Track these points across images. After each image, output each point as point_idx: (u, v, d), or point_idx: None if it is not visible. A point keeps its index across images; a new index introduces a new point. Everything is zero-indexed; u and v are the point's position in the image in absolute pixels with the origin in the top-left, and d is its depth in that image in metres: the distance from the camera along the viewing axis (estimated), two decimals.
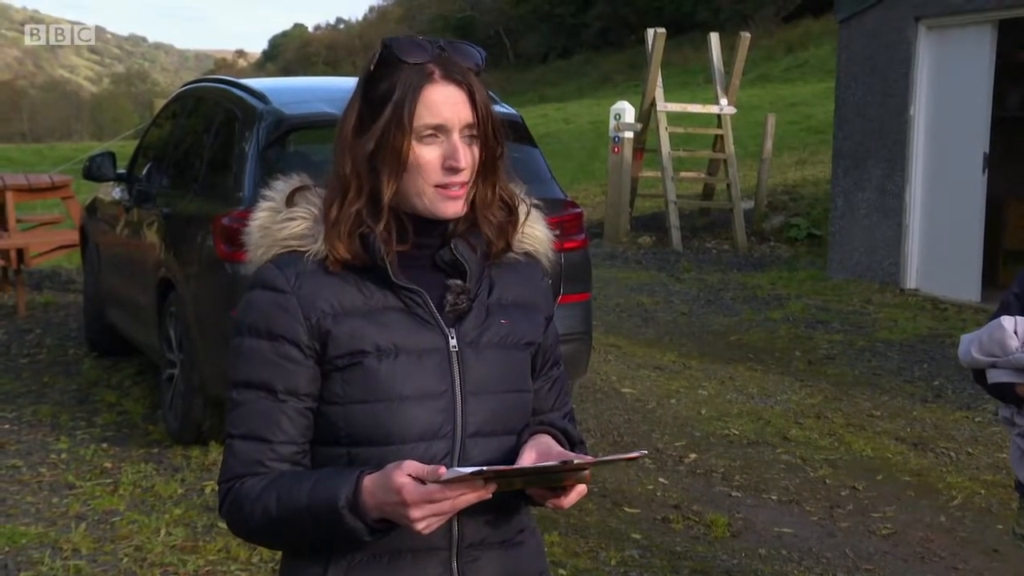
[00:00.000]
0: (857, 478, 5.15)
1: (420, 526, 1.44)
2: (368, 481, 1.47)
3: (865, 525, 4.60)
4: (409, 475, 1.43)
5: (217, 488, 1.62)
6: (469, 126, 1.57)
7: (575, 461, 1.47)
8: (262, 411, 1.56)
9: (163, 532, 4.37)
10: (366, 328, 1.56)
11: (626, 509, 4.69)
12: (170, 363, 5.49)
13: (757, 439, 5.70)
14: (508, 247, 1.68)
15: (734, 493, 4.94)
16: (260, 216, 1.63)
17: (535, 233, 1.73)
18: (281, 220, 1.61)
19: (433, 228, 1.62)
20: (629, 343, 7.86)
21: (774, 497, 4.89)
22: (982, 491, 4.99)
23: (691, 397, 6.48)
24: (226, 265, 4.97)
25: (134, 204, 6.21)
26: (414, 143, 1.55)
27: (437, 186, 1.57)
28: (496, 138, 1.61)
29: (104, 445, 5.46)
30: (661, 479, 5.08)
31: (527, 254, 1.72)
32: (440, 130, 1.55)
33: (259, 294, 1.58)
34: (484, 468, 1.42)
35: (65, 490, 4.85)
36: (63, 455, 5.32)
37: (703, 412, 6.18)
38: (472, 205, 1.63)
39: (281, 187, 1.64)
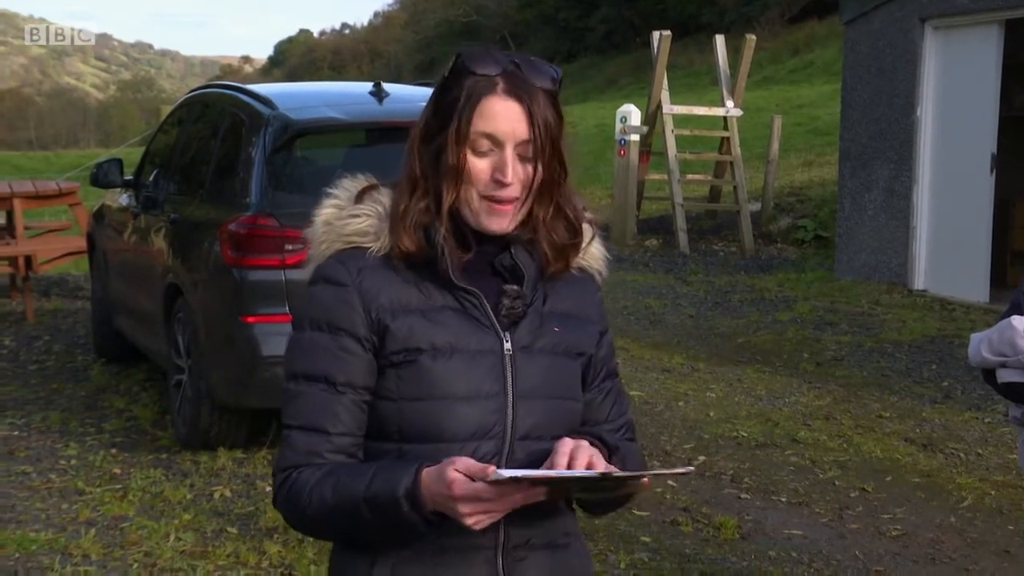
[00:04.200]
0: (866, 479, 5.15)
1: (469, 521, 1.46)
2: (426, 474, 1.49)
3: (875, 526, 4.60)
4: (461, 471, 1.46)
5: (271, 479, 1.64)
6: (524, 143, 1.58)
7: (614, 474, 1.49)
8: (321, 403, 1.59)
9: (172, 537, 4.38)
10: (423, 326, 1.59)
11: (635, 512, 4.68)
12: (178, 369, 5.49)
13: (766, 441, 5.70)
14: (567, 268, 1.70)
15: (743, 495, 4.94)
16: (325, 212, 1.66)
17: (592, 251, 1.76)
18: (346, 216, 1.64)
19: (491, 237, 1.63)
20: (637, 346, 7.87)
21: (783, 499, 4.89)
22: (992, 492, 4.99)
23: (699, 399, 6.49)
24: (233, 271, 4.98)
25: (141, 210, 6.22)
26: (468, 152, 1.58)
27: (485, 198, 1.59)
28: (558, 160, 1.61)
29: (113, 451, 5.48)
30: (670, 481, 5.07)
31: (581, 269, 1.75)
32: (494, 142, 1.57)
33: (321, 288, 1.62)
34: (530, 473, 1.45)
35: (74, 496, 4.86)
36: (72, 461, 5.34)
37: (711, 414, 6.18)
38: (528, 222, 1.65)
39: (348, 185, 1.68)
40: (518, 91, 1.58)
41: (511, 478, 1.42)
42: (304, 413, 1.60)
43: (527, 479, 1.44)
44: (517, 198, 1.60)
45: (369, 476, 1.54)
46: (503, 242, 1.65)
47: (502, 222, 1.60)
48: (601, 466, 1.55)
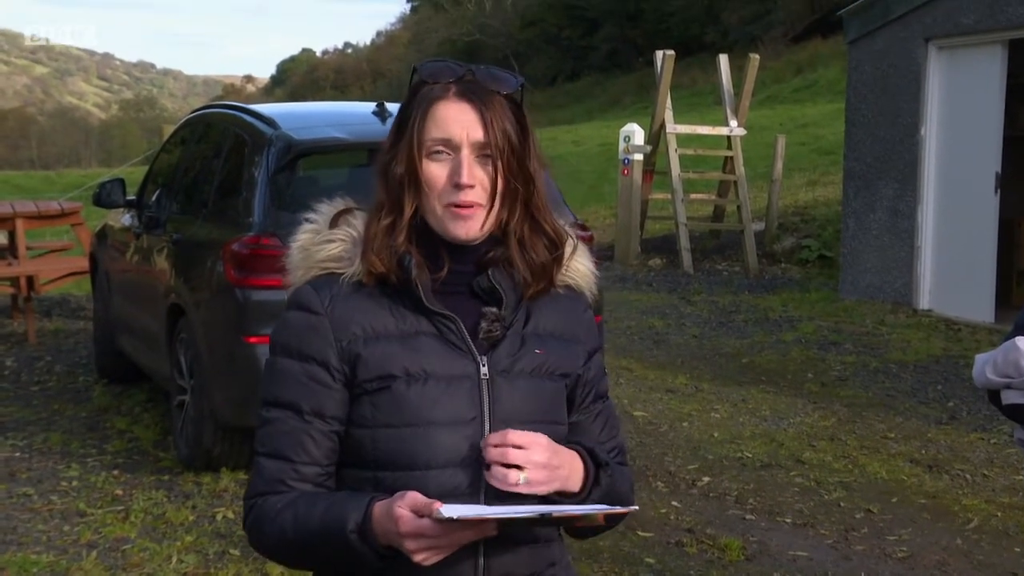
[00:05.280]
0: (872, 501, 5.13)
1: (418, 558, 1.45)
2: (377, 508, 1.48)
3: (880, 548, 4.58)
4: (407, 507, 1.44)
5: (243, 505, 1.64)
6: (481, 144, 1.55)
7: (554, 514, 1.45)
8: (288, 431, 1.57)
9: (175, 559, 4.37)
10: (397, 352, 1.57)
11: (639, 533, 4.67)
12: (180, 389, 5.49)
13: (770, 462, 5.68)
14: (550, 287, 1.66)
15: (748, 516, 4.92)
16: (302, 238, 1.65)
17: (577, 267, 1.71)
18: (320, 242, 1.63)
19: (465, 253, 1.61)
20: (641, 366, 7.86)
21: (788, 520, 4.87)
22: (999, 514, 4.97)
23: (703, 420, 6.47)
24: (236, 291, 4.98)
25: (144, 230, 6.23)
26: (424, 159, 1.56)
27: (448, 205, 1.56)
28: (519, 164, 1.58)
29: (115, 472, 5.47)
30: (674, 502, 5.07)
31: (568, 287, 1.71)
32: (449, 147, 1.55)
33: (294, 315, 1.60)
34: (471, 513, 1.42)
35: (76, 518, 4.85)
36: (74, 482, 5.33)
37: (716, 435, 6.16)
38: (505, 240, 1.62)
39: (325, 209, 1.66)
40: (470, 94, 1.56)
41: (456, 518, 1.40)
42: (271, 441, 1.59)
43: (469, 519, 1.42)
44: (479, 202, 1.57)
45: (323, 508, 1.52)
46: (480, 262, 1.62)
47: (468, 227, 1.57)
48: (537, 478, 1.51)
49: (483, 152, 1.56)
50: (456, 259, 1.60)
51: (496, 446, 1.51)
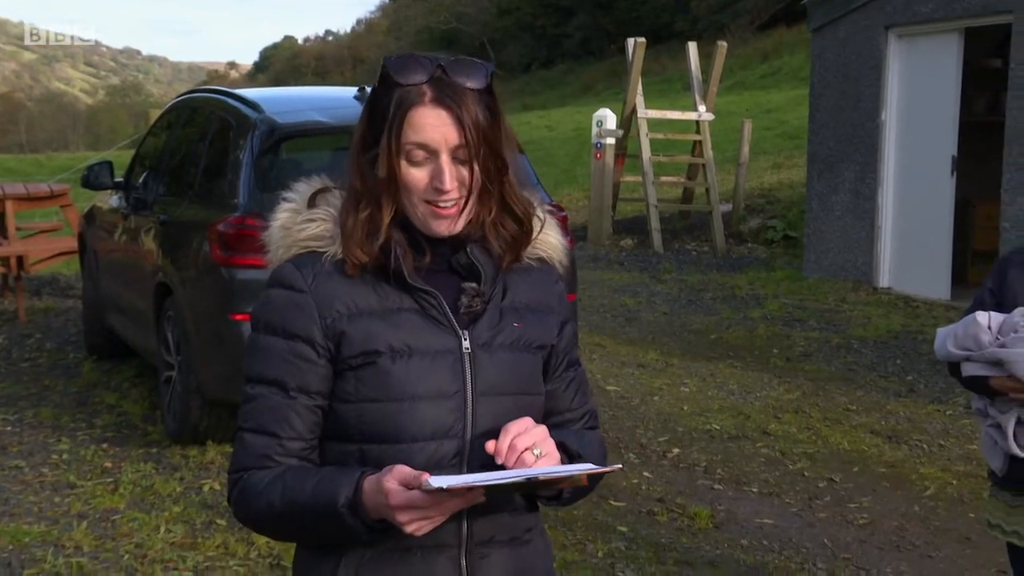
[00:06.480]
0: (834, 470, 5.23)
1: (410, 528, 1.47)
2: (367, 483, 1.49)
3: (842, 515, 4.68)
4: (396, 480, 1.46)
5: (227, 479, 1.67)
6: (458, 147, 1.56)
7: (540, 477, 1.47)
8: (273, 407, 1.58)
9: (163, 529, 4.42)
10: (380, 328, 1.58)
11: (612, 503, 4.75)
12: (168, 365, 5.55)
13: (738, 434, 5.77)
14: (517, 259, 1.68)
15: (716, 486, 5.01)
16: (281, 217, 1.66)
17: (549, 240, 1.73)
18: (301, 221, 1.63)
19: (443, 239, 1.63)
20: (613, 342, 7.93)
21: (755, 489, 4.97)
22: (954, 481, 5.07)
23: (674, 394, 6.55)
24: (222, 270, 5.04)
25: (132, 211, 6.25)
26: (404, 163, 1.56)
27: (427, 203, 1.58)
28: (495, 157, 1.59)
29: (104, 445, 5.51)
30: (646, 473, 5.15)
31: (540, 259, 1.73)
32: (428, 151, 1.56)
33: (277, 292, 1.61)
34: (458, 481, 1.44)
35: (66, 489, 4.90)
36: (64, 455, 5.37)
37: (685, 408, 6.25)
38: (477, 220, 1.64)
39: (303, 188, 1.67)
40: (446, 98, 1.55)
41: (446, 487, 1.42)
42: (256, 416, 1.59)
43: (458, 487, 1.43)
44: (459, 201, 1.58)
45: (313, 483, 1.53)
46: (458, 241, 1.63)
47: (448, 224, 1.59)
48: (547, 450, 1.54)
49: (461, 152, 1.56)
50: (435, 245, 1.63)
51: (508, 448, 1.53)
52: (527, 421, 1.56)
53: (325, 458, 1.62)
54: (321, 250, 1.61)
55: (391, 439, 1.56)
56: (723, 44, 13.66)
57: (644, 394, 6.55)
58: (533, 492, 1.62)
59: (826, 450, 5.54)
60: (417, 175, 1.57)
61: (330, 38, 73.97)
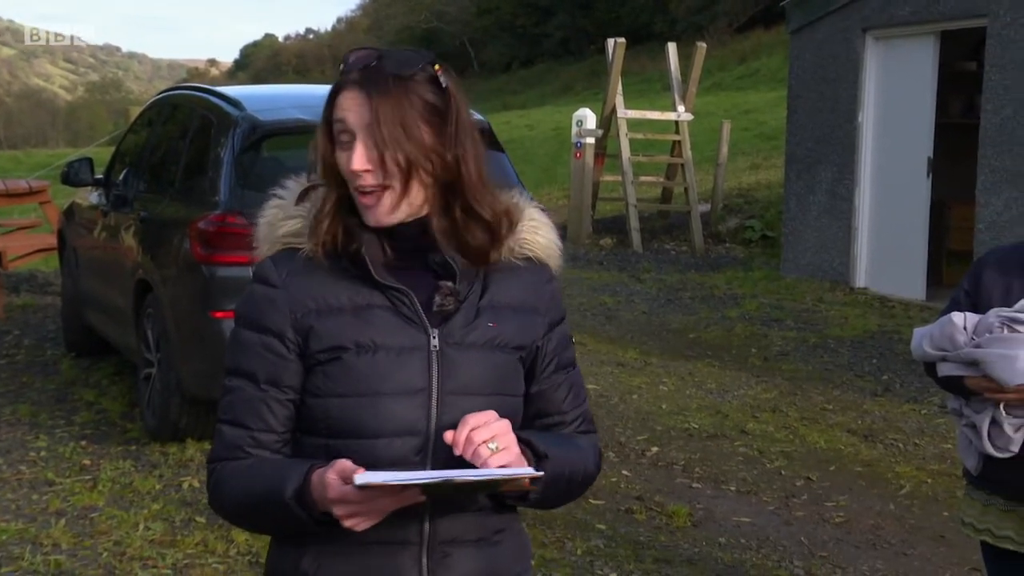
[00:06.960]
0: (811, 469, 5.27)
1: (347, 524, 1.49)
2: (315, 475, 1.51)
3: (819, 514, 4.72)
4: (335, 474, 1.48)
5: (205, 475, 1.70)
6: (370, 128, 1.56)
7: (455, 480, 1.46)
8: (246, 399, 1.61)
9: (141, 527, 4.42)
10: (348, 324, 1.59)
11: (591, 501, 4.77)
12: (147, 362, 5.54)
13: (716, 432, 5.81)
14: (487, 260, 1.65)
15: (694, 484, 5.04)
16: (268, 214, 1.68)
17: (537, 239, 1.72)
18: (283, 218, 1.66)
19: (396, 235, 1.62)
20: (592, 340, 7.95)
21: (732, 488, 5.00)
22: (929, 480, 5.13)
23: (652, 393, 6.58)
24: (202, 267, 5.04)
25: (111, 208, 6.23)
26: (337, 148, 1.59)
27: (356, 191, 1.59)
28: (417, 146, 1.57)
29: (83, 443, 5.49)
30: (624, 472, 5.18)
31: (528, 259, 1.71)
32: (348, 133, 1.57)
33: (254, 288, 1.64)
34: (376, 479, 1.44)
35: (45, 487, 4.88)
36: (42, 453, 5.35)
37: (664, 407, 6.28)
38: (430, 221, 1.62)
39: (292, 186, 1.68)
40: (367, 81, 1.57)
41: (364, 485, 1.43)
42: (231, 409, 1.63)
43: (384, 485, 1.43)
44: (378, 189, 1.58)
45: (268, 474, 1.56)
46: (430, 239, 1.62)
47: (375, 213, 1.59)
48: (504, 445, 1.52)
49: (377, 137, 1.56)
50: (397, 240, 1.63)
51: (463, 439, 1.51)
52: (489, 414, 1.55)
53: (298, 452, 1.64)
54: (299, 246, 1.64)
55: (355, 434, 1.58)
56: (702, 45, 13.74)
57: (623, 393, 6.58)
58: (496, 492, 1.60)
59: (803, 449, 5.58)
60: (343, 157, 1.58)
61: (311, 36, 73.80)
